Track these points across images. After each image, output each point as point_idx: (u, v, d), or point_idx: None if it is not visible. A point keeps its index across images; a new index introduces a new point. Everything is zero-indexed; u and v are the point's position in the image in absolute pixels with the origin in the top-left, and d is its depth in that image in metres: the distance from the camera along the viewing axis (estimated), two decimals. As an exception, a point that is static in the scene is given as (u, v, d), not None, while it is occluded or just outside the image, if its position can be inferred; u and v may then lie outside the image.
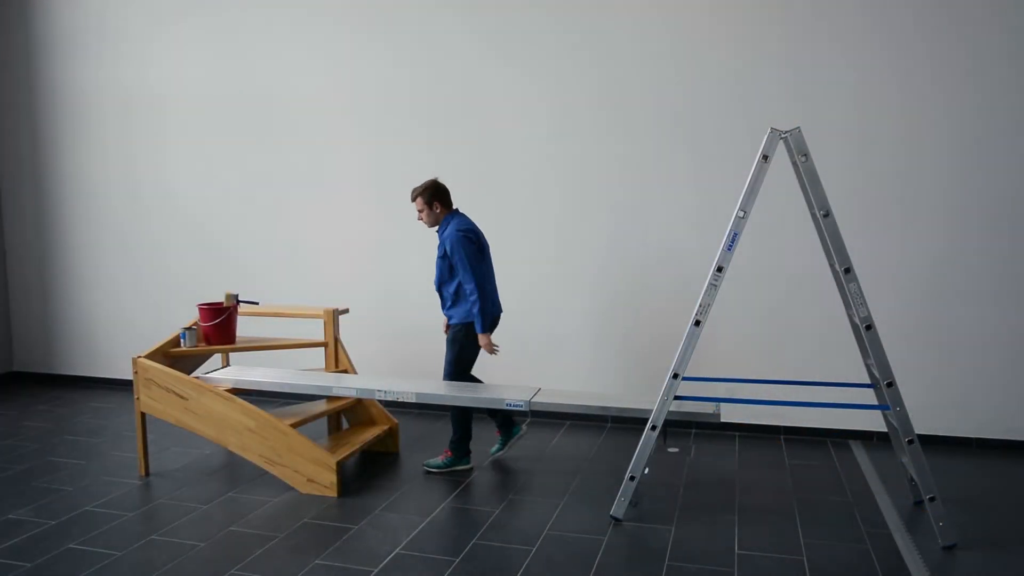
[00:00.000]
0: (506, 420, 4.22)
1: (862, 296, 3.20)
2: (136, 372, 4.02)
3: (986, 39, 4.21)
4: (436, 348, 5.22)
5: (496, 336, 5.08)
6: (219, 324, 4.25)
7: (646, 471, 3.51)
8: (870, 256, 4.43)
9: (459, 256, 3.89)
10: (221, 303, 4.37)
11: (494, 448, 4.27)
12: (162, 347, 4.22)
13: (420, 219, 4.07)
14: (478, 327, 3.94)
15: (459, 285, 3.98)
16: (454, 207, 4.09)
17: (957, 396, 4.45)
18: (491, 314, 4.03)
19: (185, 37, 5.52)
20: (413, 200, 4.03)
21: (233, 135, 5.50)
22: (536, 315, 5.01)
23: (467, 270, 3.88)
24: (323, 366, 4.60)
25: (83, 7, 5.72)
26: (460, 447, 4.11)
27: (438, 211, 4.02)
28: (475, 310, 3.91)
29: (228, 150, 5.52)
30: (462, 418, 4.10)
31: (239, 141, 5.49)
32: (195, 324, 4.31)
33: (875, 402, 3.54)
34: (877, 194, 4.42)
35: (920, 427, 4.40)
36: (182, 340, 4.26)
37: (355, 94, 5.20)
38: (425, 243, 5.18)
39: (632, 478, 3.43)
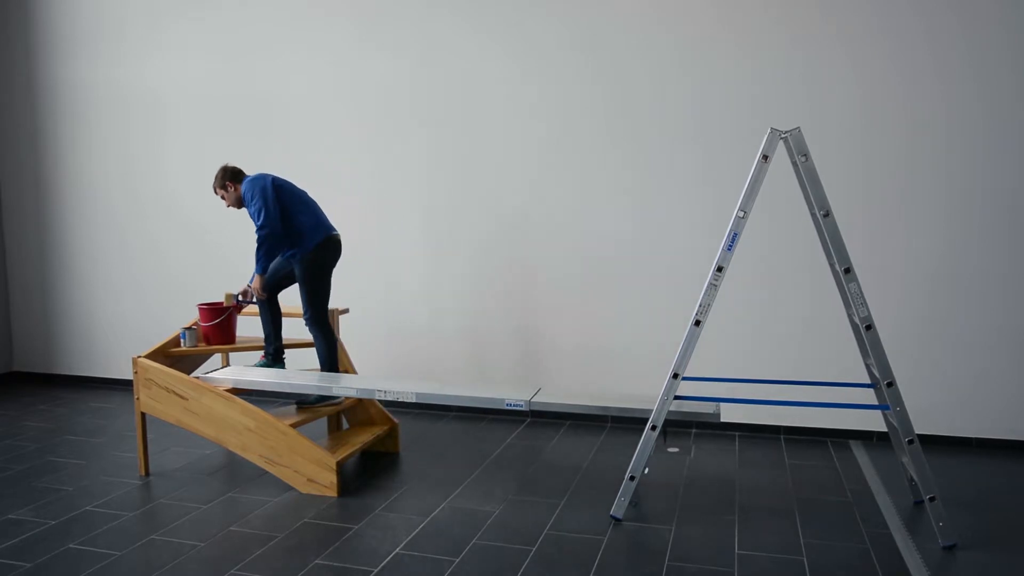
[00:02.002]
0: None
1: (862, 296, 3.20)
2: (136, 372, 4.02)
3: (990, 39, 4.21)
4: (436, 348, 5.23)
5: (497, 336, 5.10)
6: (219, 324, 4.25)
7: (646, 471, 3.51)
8: (871, 256, 4.43)
9: (248, 202, 4.01)
10: (221, 303, 4.37)
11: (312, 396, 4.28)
12: (162, 347, 4.22)
13: (229, 207, 4.23)
14: (257, 267, 4.02)
15: (289, 230, 4.06)
16: (246, 175, 4.22)
17: (957, 396, 4.45)
18: (320, 240, 4.08)
19: (184, 36, 5.53)
20: (216, 194, 4.22)
21: (232, 134, 5.50)
22: (533, 317, 5.02)
23: (254, 209, 3.97)
24: (323, 366, 4.60)
25: (82, 6, 5.73)
26: (277, 355, 4.34)
27: (234, 190, 4.16)
28: (258, 247, 3.98)
29: (227, 149, 5.51)
30: (274, 330, 4.28)
31: (238, 140, 5.49)
32: (195, 324, 4.31)
33: (875, 402, 3.54)
34: (879, 194, 4.42)
35: (920, 427, 4.40)
36: (182, 340, 4.26)
37: (354, 93, 5.21)
38: (425, 243, 5.18)
39: (632, 478, 3.43)
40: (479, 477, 4.03)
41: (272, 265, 4.22)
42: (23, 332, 6.24)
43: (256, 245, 4.00)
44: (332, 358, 4.22)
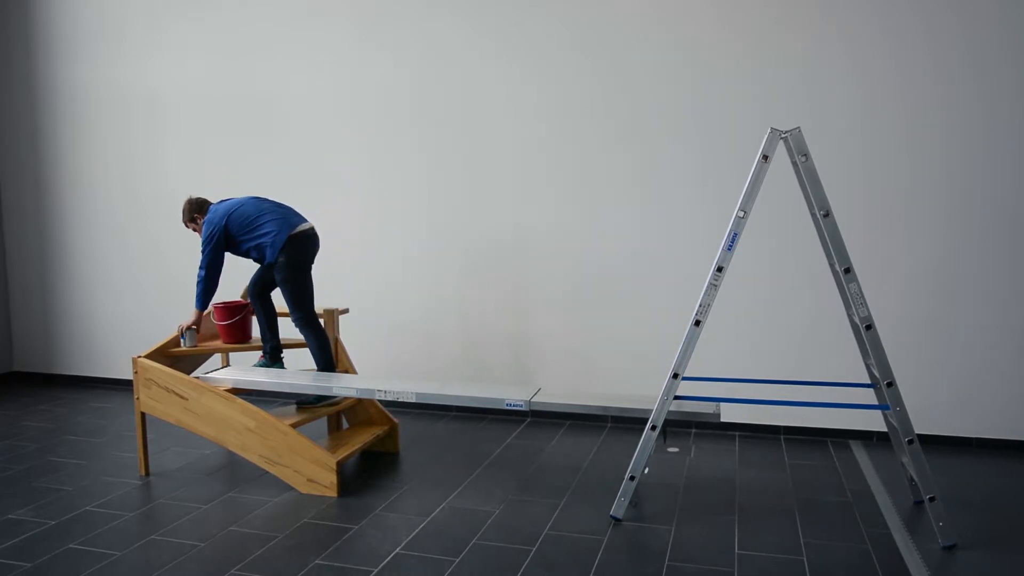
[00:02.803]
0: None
1: (862, 296, 3.20)
2: (136, 372, 4.02)
3: (990, 39, 4.21)
4: (436, 348, 5.23)
5: (497, 336, 5.10)
6: (235, 323, 4.26)
7: (646, 471, 3.51)
8: (871, 256, 4.43)
9: (202, 242, 4.12)
10: (237, 301, 4.36)
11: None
12: (162, 347, 4.22)
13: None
14: (196, 303, 4.11)
15: (253, 244, 4.12)
16: (210, 203, 4.28)
17: (957, 396, 4.45)
18: (284, 240, 4.06)
19: (184, 36, 5.53)
20: (187, 228, 4.31)
21: (232, 134, 5.50)
22: (533, 316, 5.02)
23: (202, 251, 4.10)
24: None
25: (82, 6, 5.73)
26: (274, 353, 4.37)
27: (201, 222, 4.22)
28: (198, 284, 4.09)
29: (227, 149, 5.52)
30: (269, 329, 4.33)
31: (238, 140, 5.49)
32: (194, 324, 4.28)
33: (875, 402, 3.54)
34: (879, 194, 4.42)
35: (920, 427, 4.40)
36: (182, 341, 4.26)
37: (354, 94, 5.21)
38: (425, 242, 5.18)
39: (632, 478, 3.43)
40: (479, 477, 4.03)
41: (258, 270, 4.27)
42: (23, 332, 6.24)
43: (198, 279, 4.09)
44: (327, 355, 4.22)
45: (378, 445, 4.44)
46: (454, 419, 5.12)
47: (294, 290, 4.12)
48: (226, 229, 4.10)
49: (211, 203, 4.26)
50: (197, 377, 4.06)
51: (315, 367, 4.29)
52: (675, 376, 3.35)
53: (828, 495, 3.77)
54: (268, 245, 4.08)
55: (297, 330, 4.26)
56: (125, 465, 4.22)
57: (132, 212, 5.80)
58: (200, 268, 4.10)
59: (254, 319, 4.45)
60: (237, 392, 4.00)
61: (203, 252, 4.10)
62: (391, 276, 5.28)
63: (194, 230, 4.26)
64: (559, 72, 4.83)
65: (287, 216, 4.16)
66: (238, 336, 4.34)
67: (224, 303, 4.33)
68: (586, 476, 4.04)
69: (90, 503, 3.68)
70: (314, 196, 5.31)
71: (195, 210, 4.23)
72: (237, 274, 5.61)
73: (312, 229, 4.21)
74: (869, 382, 3.62)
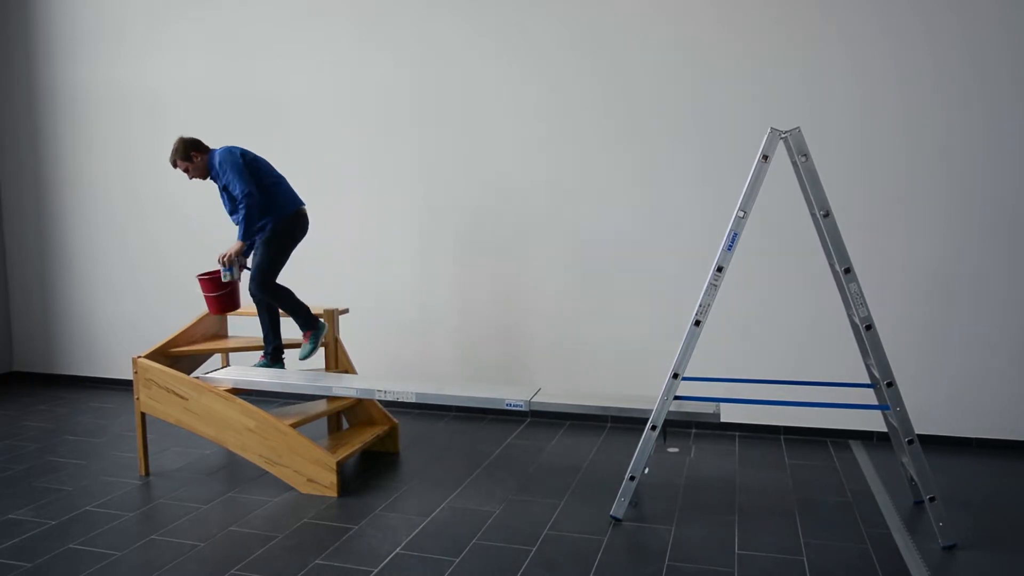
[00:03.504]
0: (308, 321, 4.22)
1: (862, 296, 3.20)
2: (136, 372, 4.02)
3: (990, 39, 4.21)
4: (436, 348, 5.23)
5: (497, 336, 5.10)
6: (224, 294, 4.16)
7: (646, 471, 3.51)
8: (871, 256, 4.43)
9: (225, 172, 3.93)
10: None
11: (303, 351, 4.23)
12: (162, 347, 4.22)
13: (193, 178, 4.10)
14: (240, 233, 3.94)
15: (265, 196, 4.04)
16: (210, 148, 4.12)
17: (957, 396, 4.45)
18: (291, 212, 4.08)
19: (184, 36, 5.53)
20: (175, 167, 4.06)
21: (232, 134, 5.49)
22: (534, 317, 5.01)
23: (235, 177, 3.90)
24: (323, 366, 4.60)
25: (82, 6, 5.73)
26: (276, 354, 4.30)
27: (199, 160, 4.04)
28: (241, 215, 3.92)
29: (228, 150, 5.52)
30: (272, 329, 4.27)
31: (238, 140, 5.45)
32: (238, 254, 4.02)
33: (875, 402, 3.54)
34: (879, 194, 4.42)
35: (920, 427, 4.40)
36: (227, 274, 4.01)
37: (354, 93, 5.21)
38: (425, 242, 5.18)
39: (632, 478, 3.43)
40: (479, 477, 4.03)
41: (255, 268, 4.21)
42: (23, 332, 6.23)
43: (242, 212, 3.89)
44: (295, 303, 4.19)
45: (378, 445, 4.44)
46: (454, 419, 5.12)
47: (272, 255, 4.09)
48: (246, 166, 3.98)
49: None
50: (197, 377, 4.06)
51: (302, 347, 4.24)
52: (675, 376, 3.35)
53: (828, 495, 3.77)
54: (279, 204, 4.07)
55: (295, 328, 4.25)
56: (125, 465, 4.22)
57: (132, 212, 5.80)
58: (242, 196, 3.86)
59: (240, 320, 4.38)
60: (237, 392, 4.00)
61: (233, 179, 3.88)
62: (391, 276, 5.27)
63: (185, 170, 4.04)
64: (559, 72, 4.83)
65: (293, 190, 4.22)
66: (227, 306, 4.21)
67: (210, 273, 4.13)
68: (586, 476, 4.04)
69: (90, 503, 3.68)
70: (314, 196, 5.29)
71: (192, 147, 4.01)
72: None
73: (307, 215, 4.27)
74: (869, 382, 3.62)
